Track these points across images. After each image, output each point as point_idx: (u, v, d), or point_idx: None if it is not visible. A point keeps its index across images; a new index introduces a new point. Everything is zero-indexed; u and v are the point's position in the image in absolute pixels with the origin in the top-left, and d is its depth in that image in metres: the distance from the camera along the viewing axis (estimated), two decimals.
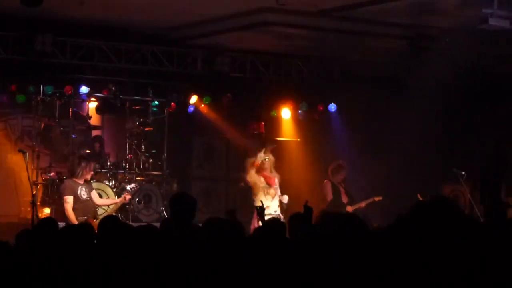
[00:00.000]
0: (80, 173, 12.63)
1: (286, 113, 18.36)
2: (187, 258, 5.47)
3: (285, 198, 13.21)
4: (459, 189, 13.25)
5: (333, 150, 17.86)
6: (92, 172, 13.02)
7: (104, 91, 16.15)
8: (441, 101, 16.33)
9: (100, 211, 13.59)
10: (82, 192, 12.54)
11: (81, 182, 12.65)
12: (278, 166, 14.93)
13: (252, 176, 12.86)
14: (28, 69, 15.41)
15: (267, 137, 18.40)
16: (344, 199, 14.56)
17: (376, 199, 14.60)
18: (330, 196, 14.36)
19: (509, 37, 13.46)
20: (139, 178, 16.21)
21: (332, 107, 18.22)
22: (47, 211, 15.23)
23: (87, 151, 15.77)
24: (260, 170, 12.87)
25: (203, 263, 5.23)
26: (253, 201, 12.87)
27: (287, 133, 18.63)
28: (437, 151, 17.63)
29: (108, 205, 13.62)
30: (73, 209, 12.36)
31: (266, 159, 13.20)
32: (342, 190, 14.65)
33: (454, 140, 17.73)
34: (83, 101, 16.20)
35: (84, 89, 15.92)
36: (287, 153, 17.80)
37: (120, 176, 16.03)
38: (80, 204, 12.47)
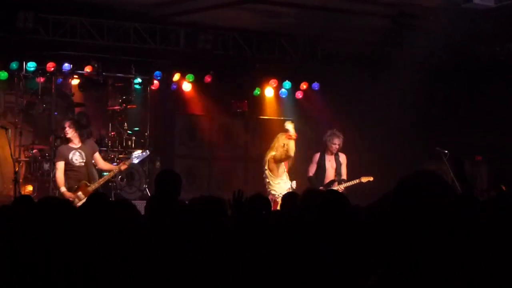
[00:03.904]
0: (72, 136, 12.36)
1: (269, 91, 18.37)
2: (171, 233, 5.48)
3: (293, 184, 12.98)
4: (442, 167, 13.23)
5: (316, 129, 17.90)
6: (65, 131, 12.41)
7: (86, 68, 16.06)
8: (424, 79, 16.37)
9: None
10: (75, 157, 12.26)
11: (77, 146, 12.37)
12: (260, 145, 14.98)
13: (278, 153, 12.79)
14: (10, 46, 15.32)
15: (250, 115, 18.42)
16: (331, 175, 13.79)
17: (364, 180, 13.64)
18: (310, 173, 13.69)
19: (493, 15, 13.49)
20: (121, 155, 16.16)
21: (315, 85, 18.27)
22: (29, 188, 15.19)
23: None
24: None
25: (189, 238, 5.24)
26: (265, 176, 12.78)
27: (270, 111, 18.64)
28: (420, 129, 17.69)
29: (108, 171, 13.06)
30: (66, 176, 12.17)
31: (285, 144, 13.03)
32: (333, 164, 13.82)
33: (437, 118, 17.79)
34: (66, 78, 16.11)
35: (66, 66, 15.86)
36: (270, 131, 17.79)
37: (102, 154, 15.97)
38: (73, 173, 12.21)
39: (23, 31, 14.82)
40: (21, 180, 14.37)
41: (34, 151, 15.51)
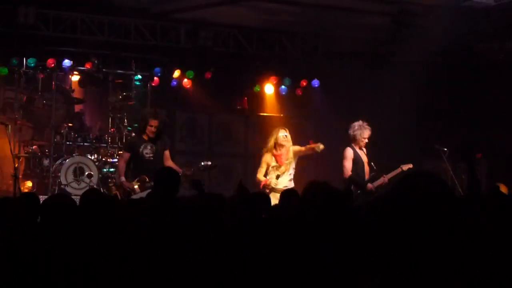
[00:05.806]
0: (143, 129, 12.20)
1: (269, 88, 18.38)
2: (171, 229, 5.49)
3: (320, 147, 12.78)
4: (441, 165, 13.22)
5: (316, 126, 17.94)
6: (154, 129, 12.20)
7: (87, 64, 16.07)
8: (423, 77, 16.38)
9: None
10: (146, 150, 12.06)
11: (149, 138, 12.13)
12: (260, 141, 14.96)
13: (266, 158, 12.96)
14: (11, 41, 15.34)
15: (250, 112, 18.43)
16: (367, 170, 12.86)
17: (405, 168, 12.74)
18: (349, 171, 12.64)
19: (492, 14, 13.49)
20: (121, 152, 16.16)
21: (315, 82, 18.27)
22: (29, 184, 15.19)
23: (70, 124, 15.69)
24: (277, 147, 12.95)
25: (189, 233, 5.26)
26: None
27: (270, 108, 18.65)
28: (419, 127, 17.70)
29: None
30: (135, 168, 11.99)
31: (286, 135, 13.09)
32: (365, 159, 12.90)
33: (435, 116, 17.80)
34: (66, 74, 16.13)
35: (67, 62, 15.88)
36: (270, 128, 17.80)
37: (102, 150, 15.98)
38: (142, 165, 12.01)
39: (23, 26, 14.84)
40: (20, 176, 14.36)
41: (33, 147, 15.50)
